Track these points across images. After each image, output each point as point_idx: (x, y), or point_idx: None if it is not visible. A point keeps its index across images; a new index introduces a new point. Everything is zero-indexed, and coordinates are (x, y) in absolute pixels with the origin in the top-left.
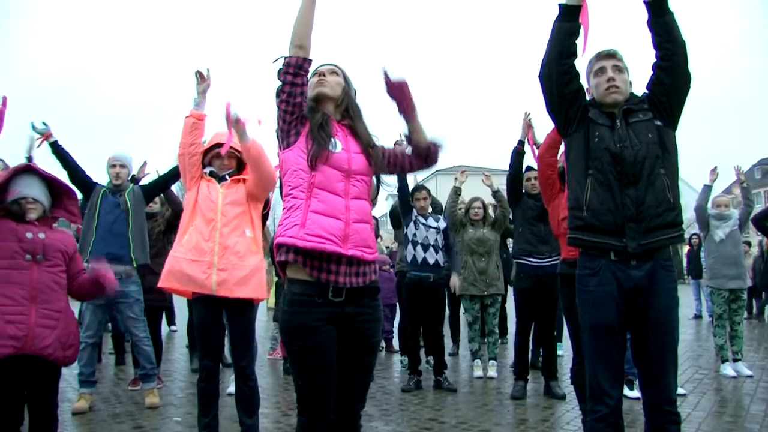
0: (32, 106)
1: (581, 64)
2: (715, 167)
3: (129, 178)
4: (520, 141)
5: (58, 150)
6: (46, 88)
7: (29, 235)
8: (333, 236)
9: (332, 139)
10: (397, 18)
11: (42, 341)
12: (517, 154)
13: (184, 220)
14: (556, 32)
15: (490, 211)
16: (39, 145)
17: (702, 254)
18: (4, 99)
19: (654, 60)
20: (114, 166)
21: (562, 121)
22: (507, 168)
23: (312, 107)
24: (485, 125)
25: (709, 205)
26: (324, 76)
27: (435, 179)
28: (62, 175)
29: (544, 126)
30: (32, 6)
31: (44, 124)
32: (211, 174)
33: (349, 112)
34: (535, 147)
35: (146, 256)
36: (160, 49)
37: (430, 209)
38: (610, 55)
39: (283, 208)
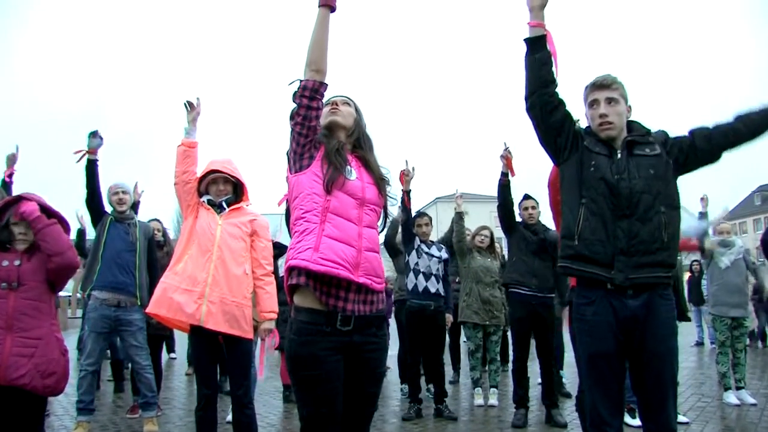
0: (46, 138)
1: (566, 90)
2: (705, 195)
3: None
4: (502, 173)
5: (92, 169)
6: (59, 120)
7: (5, 263)
8: (346, 262)
9: (348, 166)
10: (398, 41)
11: (16, 371)
12: (502, 186)
13: (179, 247)
14: (530, 65)
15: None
16: (78, 160)
17: (704, 281)
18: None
19: (699, 140)
20: (116, 193)
21: (554, 150)
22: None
23: (325, 134)
24: (485, 152)
25: (711, 232)
26: (337, 105)
27: (435, 206)
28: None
29: (532, 153)
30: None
31: (100, 138)
32: (209, 202)
33: (360, 143)
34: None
35: (146, 294)
36: (170, 75)
37: (431, 236)
38: (604, 86)
39: (294, 232)
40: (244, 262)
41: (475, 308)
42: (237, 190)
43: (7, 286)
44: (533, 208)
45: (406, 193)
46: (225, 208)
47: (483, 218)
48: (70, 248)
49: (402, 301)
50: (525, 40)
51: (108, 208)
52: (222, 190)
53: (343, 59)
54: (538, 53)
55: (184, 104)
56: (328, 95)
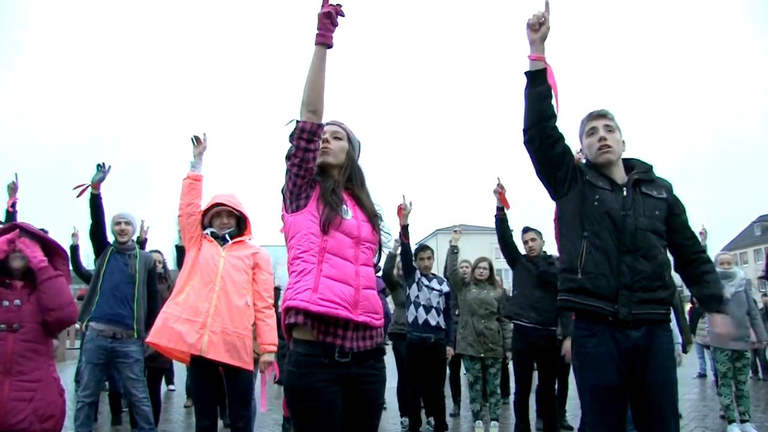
0: (59, 168)
1: (564, 124)
2: (703, 227)
3: (136, 240)
4: (497, 208)
5: (96, 202)
6: (72, 150)
7: (5, 303)
8: (345, 302)
9: (343, 205)
10: (399, 70)
11: (15, 416)
12: (499, 221)
13: (181, 278)
14: (530, 98)
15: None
16: (79, 195)
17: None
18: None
19: (673, 230)
20: (119, 223)
21: (553, 184)
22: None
23: (318, 172)
24: (485, 183)
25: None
26: (328, 142)
27: (435, 238)
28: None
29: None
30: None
31: (105, 171)
32: (213, 235)
33: (352, 180)
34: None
35: (144, 327)
36: (173, 107)
37: (433, 270)
38: (601, 115)
39: (292, 272)
40: (246, 294)
41: (470, 340)
42: (240, 224)
43: (7, 327)
44: (533, 240)
45: (404, 228)
46: (228, 241)
47: (484, 250)
48: (70, 304)
49: (401, 334)
50: (525, 73)
51: (110, 238)
52: (225, 223)
53: (342, 88)
54: (539, 87)
55: (191, 139)
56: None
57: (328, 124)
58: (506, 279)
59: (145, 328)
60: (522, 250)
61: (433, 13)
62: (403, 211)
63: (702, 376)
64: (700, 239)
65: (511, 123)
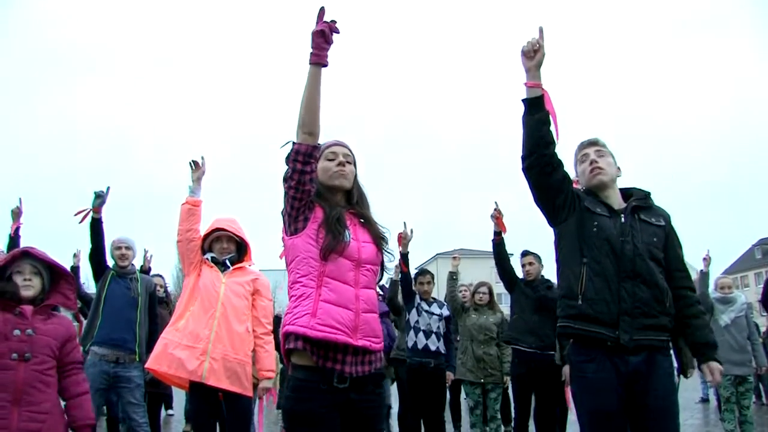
0: (71, 188)
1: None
2: (708, 252)
3: (139, 269)
4: (495, 233)
5: (97, 227)
6: (84, 169)
7: (17, 332)
8: (344, 326)
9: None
10: (399, 90)
11: None
12: (496, 245)
13: (180, 304)
14: (528, 126)
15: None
16: (82, 221)
17: None
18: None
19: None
20: (119, 248)
21: (551, 210)
22: (508, 251)
23: (322, 193)
24: (485, 208)
25: (712, 287)
26: (344, 166)
27: (435, 262)
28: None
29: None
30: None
31: (104, 195)
32: (213, 260)
33: (357, 202)
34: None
35: (145, 351)
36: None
37: (433, 294)
38: (591, 143)
39: (291, 296)
40: (246, 320)
41: (469, 366)
42: (240, 249)
43: (18, 356)
44: (530, 264)
45: (404, 256)
46: (228, 267)
47: (484, 274)
48: (92, 421)
49: (402, 359)
50: (522, 100)
51: (110, 262)
52: (225, 248)
53: (342, 109)
54: (537, 114)
55: (189, 163)
56: (325, 137)
57: (336, 144)
58: (506, 304)
59: (147, 351)
60: (520, 274)
61: (436, 37)
62: (403, 240)
63: (704, 400)
64: (702, 265)
65: (509, 146)
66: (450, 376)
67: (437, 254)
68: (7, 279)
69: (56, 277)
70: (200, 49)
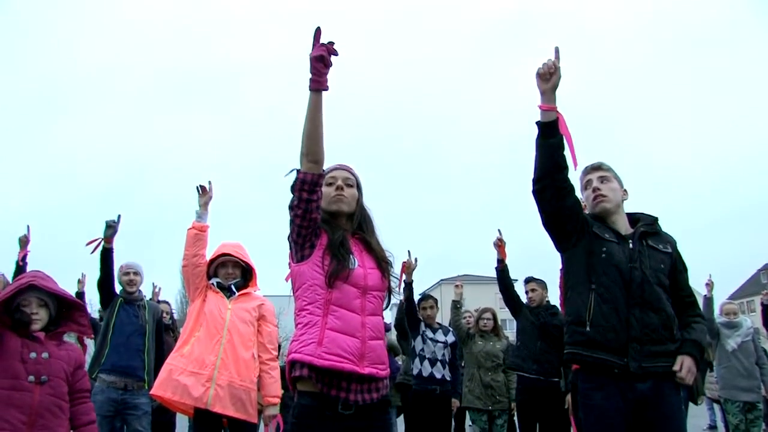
0: (83, 213)
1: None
2: (710, 277)
3: (151, 298)
4: (498, 260)
5: (108, 256)
6: (95, 194)
7: (33, 355)
8: (351, 354)
9: (350, 256)
10: (401, 114)
11: None
12: (500, 272)
13: (185, 330)
14: (542, 150)
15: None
16: (93, 251)
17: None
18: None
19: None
20: (127, 273)
21: (561, 235)
22: (512, 276)
23: (326, 219)
24: (489, 232)
25: (717, 312)
26: (342, 190)
27: (439, 288)
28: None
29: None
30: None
31: (112, 225)
32: (218, 286)
33: (362, 226)
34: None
35: (153, 378)
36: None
37: (437, 319)
38: (594, 168)
39: (297, 324)
40: (252, 347)
41: (477, 393)
42: (245, 274)
43: (35, 379)
44: (533, 290)
45: (408, 285)
46: (234, 292)
47: (489, 300)
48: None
49: (408, 385)
50: (537, 123)
51: (117, 288)
52: (231, 273)
53: (345, 132)
54: (551, 139)
55: (196, 188)
56: (328, 162)
57: (337, 168)
58: (510, 329)
59: (155, 378)
60: (523, 298)
61: (439, 68)
62: (407, 268)
63: (712, 428)
64: (705, 290)
65: (515, 171)
66: (455, 402)
67: (441, 280)
68: (15, 309)
69: (67, 305)
70: (217, 73)
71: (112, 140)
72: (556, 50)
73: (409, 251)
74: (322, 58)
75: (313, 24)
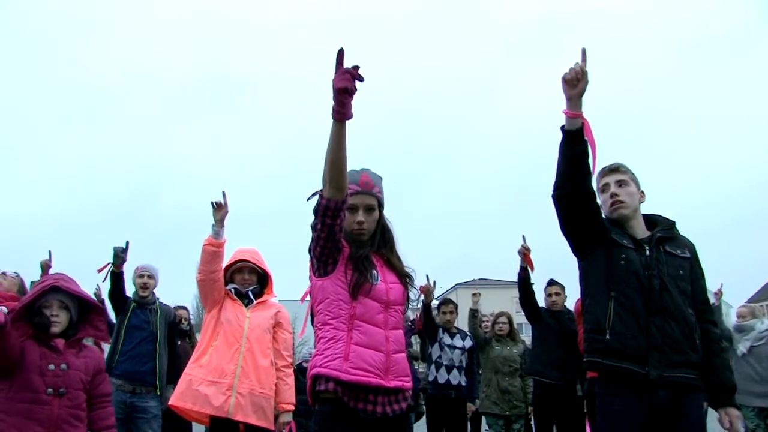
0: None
1: None
2: (720, 286)
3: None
4: (521, 267)
5: (118, 279)
6: (112, 204)
7: (51, 366)
8: (376, 369)
9: (373, 271)
10: (416, 112)
11: None
12: (522, 280)
13: (203, 340)
14: (567, 157)
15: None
16: (105, 279)
17: None
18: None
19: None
20: (142, 276)
21: (579, 242)
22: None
23: (348, 238)
24: (505, 236)
25: (733, 318)
26: (362, 223)
27: (455, 292)
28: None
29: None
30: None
31: (121, 254)
32: (236, 292)
33: (383, 243)
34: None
35: (165, 383)
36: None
37: (456, 323)
38: (612, 170)
39: (320, 338)
40: (270, 354)
41: (494, 399)
42: (261, 281)
43: (54, 392)
44: (557, 294)
45: (426, 306)
46: (252, 300)
47: (504, 304)
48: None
49: (425, 389)
50: (562, 129)
51: (130, 290)
52: (247, 279)
53: (363, 136)
54: (577, 146)
55: (211, 204)
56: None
57: (359, 193)
58: (526, 333)
59: (169, 382)
60: (540, 301)
61: (456, 74)
62: (426, 291)
63: None
64: (713, 299)
65: (532, 174)
66: (471, 407)
67: (456, 284)
68: (36, 312)
69: (86, 308)
70: (235, 82)
71: (133, 147)
72: (583, 52)
73: (427, 275)
74: (346, 90)
75: (332, 29)
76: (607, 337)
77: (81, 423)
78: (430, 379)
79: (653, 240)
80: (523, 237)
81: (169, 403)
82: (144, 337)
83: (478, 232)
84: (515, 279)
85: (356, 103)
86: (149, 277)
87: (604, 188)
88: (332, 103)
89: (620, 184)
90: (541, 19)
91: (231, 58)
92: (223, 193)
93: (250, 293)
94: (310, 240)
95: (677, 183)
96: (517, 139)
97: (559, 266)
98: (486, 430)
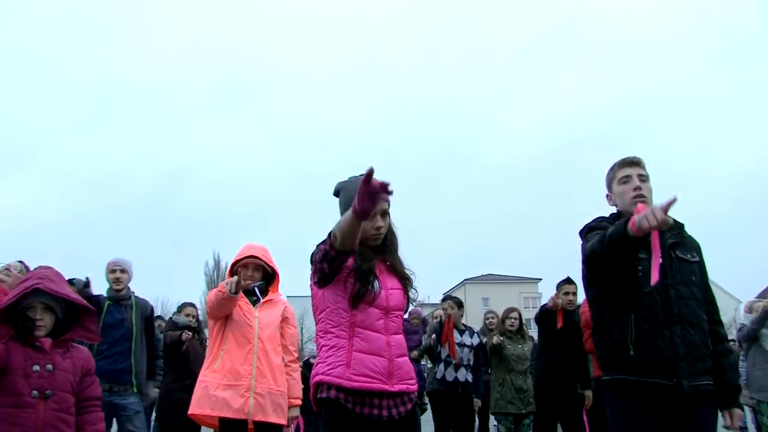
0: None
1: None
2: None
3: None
4: (549, 309)
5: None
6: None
7: (36, 368)
8: (379, 374)
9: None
10: (425, 115)
11: None
12: (545, 312)
13: (213, 345)
14: (617, 247)
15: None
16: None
17: (741, 362)
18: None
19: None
20: (114, 271)
21: (598, 282)
22: (533, 276)
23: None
24: (514, 231)
25: (742, 313)
26: (380, 228)
27: (463, 287)
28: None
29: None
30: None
31: (84, 287)
32: (244, 291)
33: (387, 247)
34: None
35: (145, 379)
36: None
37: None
38: (635, 162)
39: (322, 346)
40: (280, 352)
41: (509, 398)
42: (269, 278)
43: (39, 394)
44: (574, 293)
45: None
46: (260, 298)
47: (512, 299)
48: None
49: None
50: (625, 229)
51: (105, 287)
52: (251, 276)
53: (377, 134)
54: (633, 249)
55: (231, 279)
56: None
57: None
58: (533, 328)
59: (147, 377)
60: (549, 294)
61: (472, 73)
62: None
63: (743, 429)
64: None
65: (542, 173)
66: (477, 403)
67: (464, 279)
68: (20, 313)
69: (75, 308)
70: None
71: (157, 146)
72: (671, 201)
73: (443, 308)
74: (373, 197)
75: (354, 29)
76: (632, 353)
77: (69, 428)
78: (438, 376)
79: (665, 247)
80: (558, 287)
81: (189, 412)
82: (120, 336)
83: (487, 227)
84: (523, 275)
85: (379, 100)
86: (122, 271)
87: (624, 180)
88: (357, 203)
89: (642, 178)
90: (563, 21)
91: (253, 58)
92: (241, 274)
93: (256, 289)
94: (313, 251)
95: (700, 180)
96: (531, 137)
97: (566, 265)
98: (494, 425)
